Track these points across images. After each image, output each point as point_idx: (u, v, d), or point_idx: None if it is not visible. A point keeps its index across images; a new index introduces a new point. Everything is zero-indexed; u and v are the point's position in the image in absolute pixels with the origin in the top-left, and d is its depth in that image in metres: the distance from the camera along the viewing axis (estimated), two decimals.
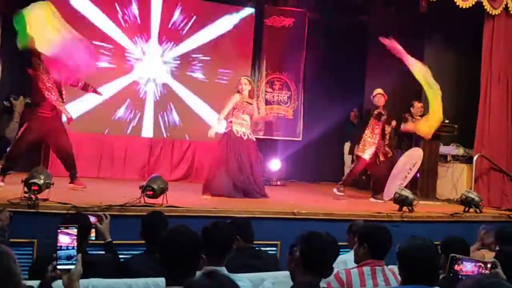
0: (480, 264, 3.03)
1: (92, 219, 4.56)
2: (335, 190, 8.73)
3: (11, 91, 8.34)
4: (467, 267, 3.03)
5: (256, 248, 4.91)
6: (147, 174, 9.16)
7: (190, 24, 10.44)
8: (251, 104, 8.26)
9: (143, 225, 4.38)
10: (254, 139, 8.29)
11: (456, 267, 3.01)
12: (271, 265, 4.61)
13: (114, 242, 4.68)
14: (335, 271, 3.77)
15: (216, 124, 8.17)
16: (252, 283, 3.66)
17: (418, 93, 10.31)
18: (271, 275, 3.97)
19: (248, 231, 4.74)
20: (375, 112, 8.91)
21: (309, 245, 3.03)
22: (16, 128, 7.06)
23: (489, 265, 3.03)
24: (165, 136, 10.25)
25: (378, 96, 9.00)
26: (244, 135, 8.07)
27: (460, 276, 2.99)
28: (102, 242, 4.63)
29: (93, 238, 4.51)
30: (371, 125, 8.91)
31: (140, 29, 10.16)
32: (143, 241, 4.39)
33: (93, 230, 4.46)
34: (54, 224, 2.63)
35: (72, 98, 9.08)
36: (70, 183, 7.36)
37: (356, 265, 3.85)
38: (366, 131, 8.92)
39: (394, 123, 9.75)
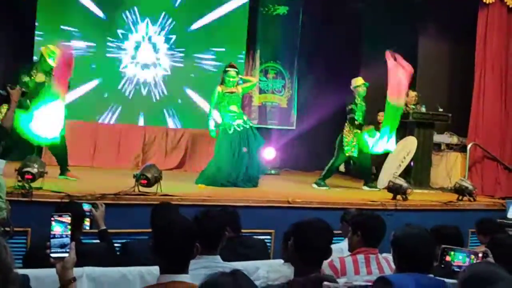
0: (471, 254, 3.04)
1: (87, 207, 4.54)
2: (314, 185, 8.69)
3: (7, 80, 8.30)
4: (458, 258, 3.04)
5: (244, 236, 4.93)
6: (141, 162, 9.15)
7: (183, 11, 10.38)
8: (233, 92, 8.09)
9: (153, 215, 4.39)
10: (250, 126, 8.18)
11: (447, 258, 3.02)
12: (262, 252, 4.64)
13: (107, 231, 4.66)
14: (329, 259, 3.80)
15: (211, 123, 8.09)
16: (247, 271, 3.65)
17: (412, 82, 10.33)
18: (265, 263, 3.98)
19: (237, 221, 4.76)
20: (349, 116, 8.75)
21: (301, 235, 3.03)
22: (13, 117, 7.02)
23: (480, 255, 3.05)
24: (159, 124, 10.21)
25: (362, 87, 8.78)
26: (239, 127, 7.98)
27: (452, 267, 3.00)
28: (96, 230, 4.62)
29: (87, 227, 4.48)
30: (347, 129, 8.75)
31: (134, 15, 10.10)
32: (136, 230, 4.40)
33: (88, 219, 4.45)
34: (48, 212, 2.61)
35: None
36: (60, 175, 7.33)
37: (350, 253, 3.87)
38: (344, 131, 8.74)
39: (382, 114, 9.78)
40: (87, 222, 4.44)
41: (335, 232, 5.36)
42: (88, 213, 4.48)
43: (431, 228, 4.19)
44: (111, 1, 9.97)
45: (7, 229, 4.53)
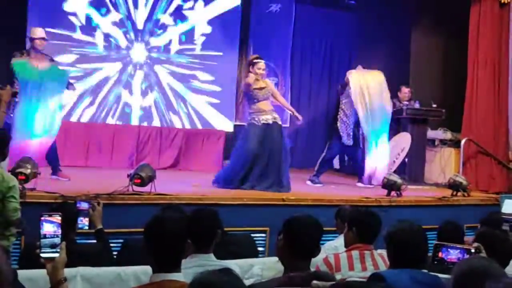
0: (464, 250, 3.04)
1: (86, 205, 4.48)
2: (308, 182, 8.66)
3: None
4: (451, 254, 3.03)
5: (229, 233, 4.92)
6: (135, 162, 9.11)
7: (176, 9, 10.35)
8: (262, 88, 7.55)
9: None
10: (280, 124, 7.64)
11: (440, 254, 3.02)
12: (249, 248, 4.63)
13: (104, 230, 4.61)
14: (324, 255, 3.79)
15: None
16: (241, 269, 3.67)
17: (405, 78, 10.35)
18: (259, 261, 3.98)
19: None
20: (339, 86, 8.77)
21: (290, 230, 3.02)
22: (4, 118, 6.98)
23: (473, 250, 3.05)
24: (153, 123, 10.18)
25: None
26: (267, 120, 7.44)
27: (445, 263, 3.00)
28: (93, 230, 4.58)
29: (86, 227, 4.43)
30: (341, 108, 8.74)
31: (125, 13, 10.05)
32: (130, 230, 4.38)
33: (87, 219, 4.40)
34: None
35: None
36: (52, 174, 7.30)
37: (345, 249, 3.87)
38: (338, 119, 8.74)
39: None
40: (85, 221, 4.39)
41: (330, 229, 5.41)
42: (87, 213, 4.42)
43: (439, 226, 4.23)
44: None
45: (19, 230, 4.60)
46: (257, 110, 7.53)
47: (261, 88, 7.56)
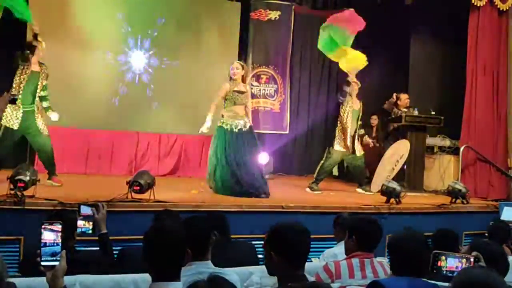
0: (463, 259, 3.04)
1: (88, 210, 4.45)
2: (307, 189, 8.67)
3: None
4: (450, 263, 3.03)
5: (233, 241, 4.92)
6: (134, 169, 9.12)
7: (175, 17, 10.37)
8: (242, 92, 7.68)
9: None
10: (250, 130, 7.70)
11: (439, 263, 3.02)
12: (249, 255, 4.62)
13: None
14: (324, 262, 3.79)
15: (208, 119, 7.63)
16: (240, 277, 3.65)
17: (404, 85, 10.37)
18: (259, 269, 3.96)
19: (224, 224, 4.74)
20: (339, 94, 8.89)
21: (285, 241, 2.95)
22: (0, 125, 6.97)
23: (472, 259, 3.05)
24: (152, 130, 10.17)
25: (353, 84, 8.88)
26: (236, 127, 7.53)
27: (444, 272, 3.00)
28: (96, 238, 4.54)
29: (90, 231, 4.39)
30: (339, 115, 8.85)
31: (125, 20, 10.07)
32: (129, 237, 4.36)
33: (90, 222, 4.38)
34: (40, 220, 2.60)
35: (57, 92, 9.02)
36: (48, 179, 7.29)
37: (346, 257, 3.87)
38: (338, 126, 8.83)
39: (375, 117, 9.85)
40: (89, 225, 4.35)
41: (329, 236, 5.41)
42: (90, 216, 4.38)
43: (433, 233, 4.23)
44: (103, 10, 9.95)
45: None
46: (232, 113, 7.61)
47: (241, 92, 7.66)
